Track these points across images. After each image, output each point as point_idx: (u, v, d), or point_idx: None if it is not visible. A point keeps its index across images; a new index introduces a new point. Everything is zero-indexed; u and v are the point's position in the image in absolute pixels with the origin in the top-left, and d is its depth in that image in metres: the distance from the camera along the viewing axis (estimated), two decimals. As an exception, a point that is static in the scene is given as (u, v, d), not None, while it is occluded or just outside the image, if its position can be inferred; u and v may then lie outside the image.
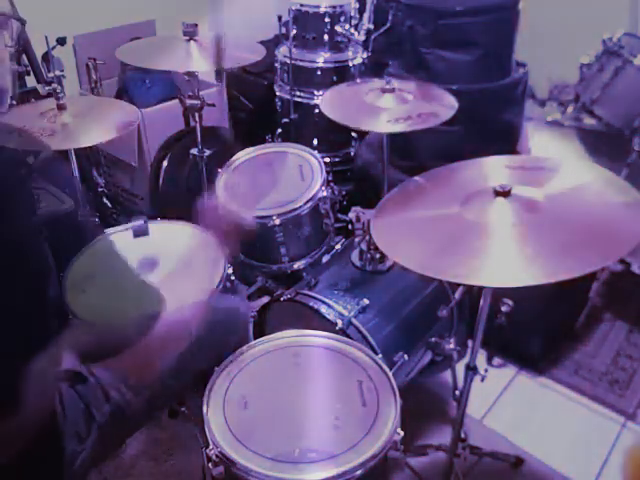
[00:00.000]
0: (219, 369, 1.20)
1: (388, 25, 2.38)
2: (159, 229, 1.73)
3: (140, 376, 0.97)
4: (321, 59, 2.35)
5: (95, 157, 2.56)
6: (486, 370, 1.36)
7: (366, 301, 1.57)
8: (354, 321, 1.52)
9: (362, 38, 2.33)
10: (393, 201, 1.32)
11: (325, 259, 1.84)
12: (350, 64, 2.38)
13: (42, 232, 0.82)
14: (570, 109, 2.27)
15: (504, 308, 1.39)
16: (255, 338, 1.32)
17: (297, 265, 1.82)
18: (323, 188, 1.77)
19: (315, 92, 2.37)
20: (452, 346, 1.61)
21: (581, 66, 2.13)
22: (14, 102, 2.09)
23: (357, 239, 1.71)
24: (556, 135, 2.43)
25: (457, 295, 1.64)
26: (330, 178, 1.85)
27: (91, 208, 1.90)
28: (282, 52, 2.41)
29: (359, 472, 1.01)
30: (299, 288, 1.64)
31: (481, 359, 2.01)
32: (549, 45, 2.63)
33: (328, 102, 1.83)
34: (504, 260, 1.05)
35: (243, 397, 1.15)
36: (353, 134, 2.41)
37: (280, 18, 2.35)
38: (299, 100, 2.40)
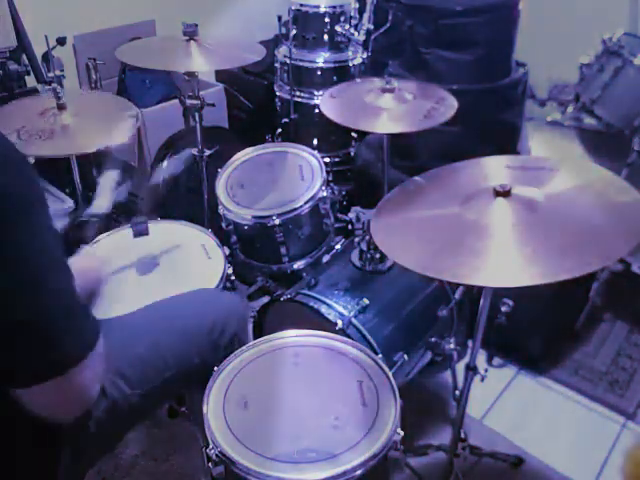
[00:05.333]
0: (219, 369, 1.20)
1: (388, 25, 2.38)
2: (159, 229, 1.73)
3: None
4: (321, 59, 2.35)
5: (95, 157, 2.56)
6: (486, 370, 1.36)
7: (366, 301, 1.57)
8: (354, 321, 1.52)
9: (362, 38, 2.32)
10: (393, 201, 1.32)
11: (325, 259, 1.84)
12: (350, 64, 2.38)
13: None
14: (570, 109, 2.27)
15: (504, 308, 1.39)
16: (255, 338, 1.32)
17: (297, 265, 1.82)
18: (323, 188, 1.77)
19: (315, 92, 2.37)
20: (452, 346, 1.62)
21: (581, 66, 2.13)
22: (14, 102, 2.10)
23: (357, 239, 1.71)
24: (556, 135, 2.43)
25: (457, 295, 1.65)
26: (330, 178, 1.85)
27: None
28: (282, 52, 2.41)
29: (359, 472, 1.01)
30: (299, 288, 1.64)
31: (481, 359, 2.01)
32: (549, 45, 2.63)
33: (327, 103, 1.83)
34: (504, 260, 1.05)
35: (243, 397, 1.15)
36: (353, 134, 2.40)
37: (280, 18, 2.35)
38: (299, 100, 2.40)
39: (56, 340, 0.76)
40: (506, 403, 1.91)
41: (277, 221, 1.71)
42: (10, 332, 0.73)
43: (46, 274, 0.76)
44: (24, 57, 2.19)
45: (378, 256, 1.69)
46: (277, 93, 2.51)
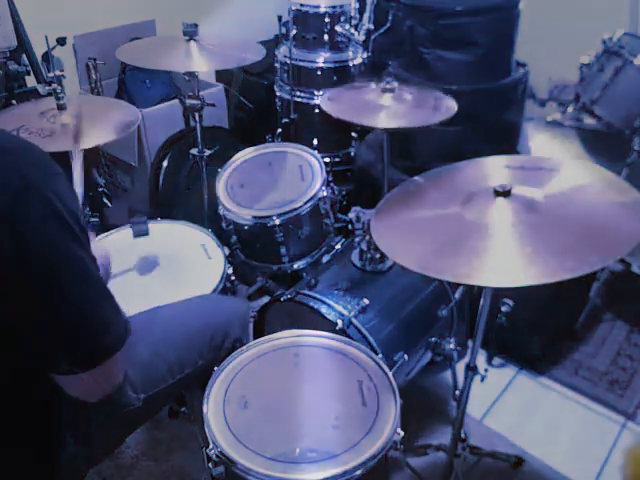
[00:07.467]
0: (219, 369, 1.20)
1: (388, 25, 2.38)
2: (159, 229, 1.73)
3: None
4: (321, 59, 2.35)
5: (95, 157, 2.56)
6: (486, 370, 1.36)
7: (366, 301, 1.57)
8: (354, 321, 1.52)
9: (362, 38, 2.32)
10: (393, 201, 1.32)
11: (325, 259, 1.84)
12: (350, 64, 2.37)
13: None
14: (570, 109, 2.27)
15: (504, 308, 1.39)
16: (255, 338, 1.32)
17: (297, 265, 1.82)
18: (323, 188, 1.77)
19: (315, 92, 2.37)
20: (452, 346, 1.62)
21: (581, 66, 2.12)
22: (14, 102, 2.10)
23: (357, 239, 1.71)
24: (556, 135, 2.43)
25: (457, 295, 1.65)
26: (330, 178, 1.85)
27: (91, 208, 1.90)
28: (282, 52, 2.41)
29: (359, 472, 1.01)
30: (299, 288, 1.64)
31: (481, 359, 2.01)
32: (549, 45, 2.63)
33: (328, 101, 1.83)
34: (504, 260, 1.05)
35: (243, 397, 1.15)
36: (353, 134, 2.40)
37: (280, 18, 2.35)
38: (299, 100, 2.40)
39: (98, 335, 0.86)
40: (506, 403, 1.91)
41: (277, 221, 1.71)
42: (59, 328, 0.82)
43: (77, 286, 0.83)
44: (24, 57, 2.19)
45: (378, 256, 1.69)
46: (277, 93, 2.51)
